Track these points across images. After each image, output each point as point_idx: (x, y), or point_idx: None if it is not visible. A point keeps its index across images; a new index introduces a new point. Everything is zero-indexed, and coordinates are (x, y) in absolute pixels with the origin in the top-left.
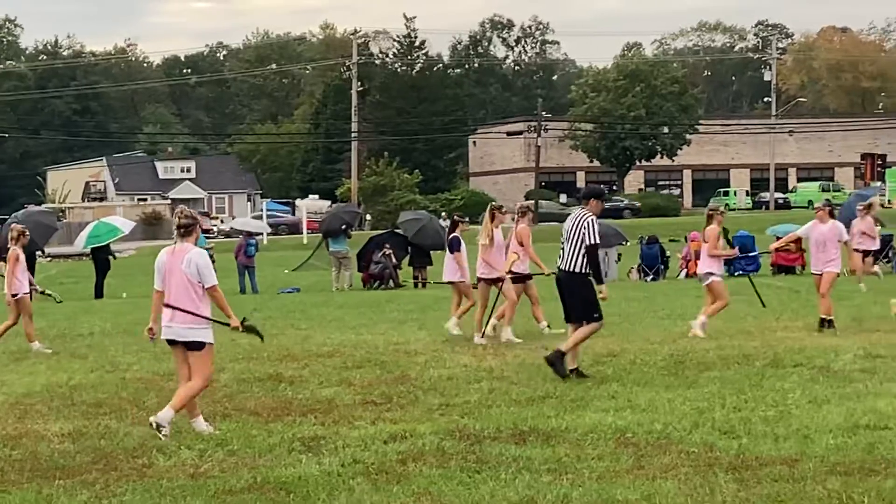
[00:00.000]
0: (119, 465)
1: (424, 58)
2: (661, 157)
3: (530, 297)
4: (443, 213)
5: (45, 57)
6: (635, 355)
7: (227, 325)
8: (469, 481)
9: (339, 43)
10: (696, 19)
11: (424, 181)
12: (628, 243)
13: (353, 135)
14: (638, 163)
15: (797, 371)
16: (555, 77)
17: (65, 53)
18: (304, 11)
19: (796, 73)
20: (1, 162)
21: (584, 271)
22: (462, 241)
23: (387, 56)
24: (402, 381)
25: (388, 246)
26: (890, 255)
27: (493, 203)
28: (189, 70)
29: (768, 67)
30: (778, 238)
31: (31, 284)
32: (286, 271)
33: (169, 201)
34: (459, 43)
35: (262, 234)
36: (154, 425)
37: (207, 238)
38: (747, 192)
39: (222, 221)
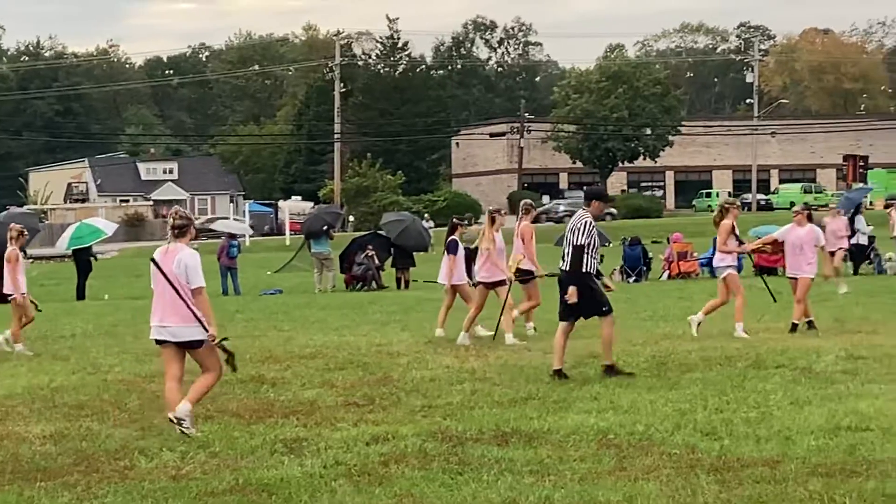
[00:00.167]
0: (101, 466)
1: (407, 59)
2: (644, 159)
3: (531, 295)
4: (426, 215)
5: (27, 58)
6: (618, 357)
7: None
8: (451, 483)
9: (322, 44)
10: (679, 21)
11: (407, 182)
12: (611, 244)
13: (335, 136)
14: (620, 164)
15: (779, 372)
16: (537, 78)
17: (47, 54)
18: (287, 12)
19: (778, 74)
20: None
21: (585, 270)
22: (460, 244)
23: (370, 57)
24: (385, 383)
25: (370, 247)
26: (871, 256)
27: (492, 208)
28: (171, 71)
29: (750, 69)
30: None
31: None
32: (269, 273)
33: (151, 203)
34: (442, 44)
35: (244, 235)
36: (175, 420)
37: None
38: (730, 193)
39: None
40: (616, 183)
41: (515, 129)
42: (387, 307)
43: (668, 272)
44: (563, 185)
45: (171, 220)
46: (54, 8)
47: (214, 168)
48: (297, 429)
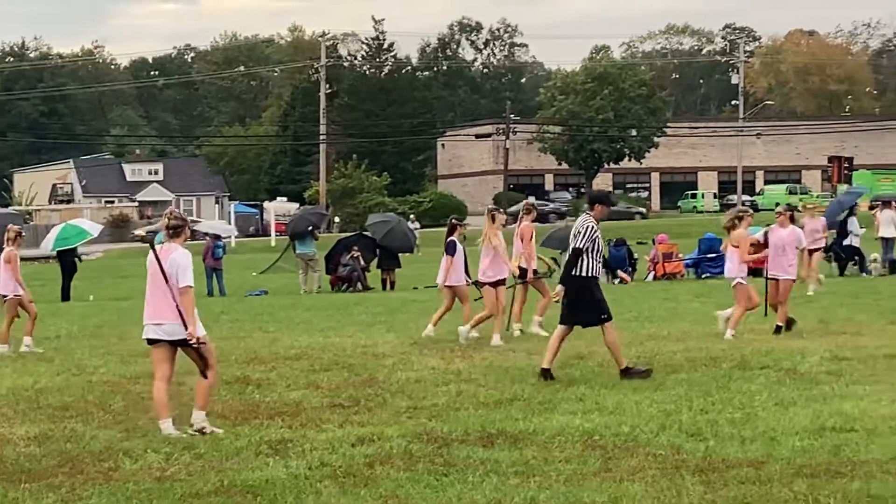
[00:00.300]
0: (85, 468)
1: (393, 60)
2: (629, 160)
3: (543, 292)
4: (411, 216)
5: (11, 59)
6: (603, 358)
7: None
8: (436, 484)
9: (308, 45)
10: (665, 22)
11: (393, 183)
12: None
13: (321, 137)
14: (606, 165)
15: (764, 373)
16: (523, 80)
17: (31, 55)
18: (273, 13)
19: (764, 76)
20: None
21: (588, 274)
22: (459, 245)
23: (355, 58)
24: (370, 384)
25: (356, 248)
26: (856, 258)
27: (491, 206)
28: (157, 72)
29: (736, 70)
30: None
31: None
32: (254, 274)
33: (136, 204)
34: (428, 45)
35: (229, 236)
36: (196, 432)
37: None
38: (715, 194)
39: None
40: (602, 184)
41: (501, 131)
42: (372, 308)
43: (653, 273)
44: (549, 186)
45: (166, 220)
46: (39, 9)
47: (200, 169)
48: (282, 430)
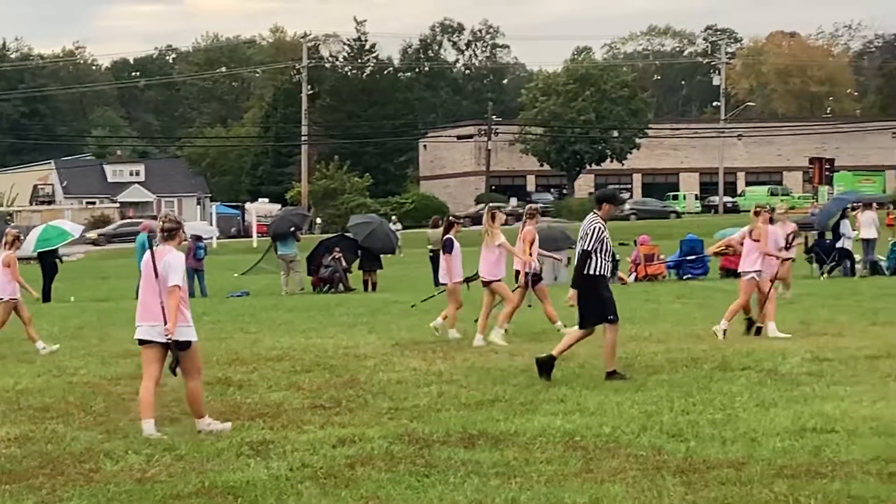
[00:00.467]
0: (66, 469)
1: (375, 61)
2: (611, 161)
3: (536, 294)
4: (393, 217)
5: None
6: (584, 359)
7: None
8: (418, 485)
9: (289, 46)
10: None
11: (375, 185)
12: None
13: (303, 138)
14: (588, 167)
15: (745, 374)
16: (505, 81)
17: (12, 56)
18: (254, 14)
19: (745, 77)
20: None
21: (595, 273)
22: (456, 243)
23: (337, 59)
24: (352, 385)
25: (338, 249)
26: (837, 258)
27: (493, 204)
28: (138, 73)
29: (717, 72)
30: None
31: None
32: (235, 275)
33: (118, 205)
34: (410, 47)
35: (211, 237)
36: (206, 433)
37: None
38: (697, 195)
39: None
40: (583, 185)
41: (483, 132)
42: (354, 309)
43: (634, 274)
44: (531, 187)
45: (161, 223)
46: (20, 10)
47: (181, 170)
48: (263, 431)
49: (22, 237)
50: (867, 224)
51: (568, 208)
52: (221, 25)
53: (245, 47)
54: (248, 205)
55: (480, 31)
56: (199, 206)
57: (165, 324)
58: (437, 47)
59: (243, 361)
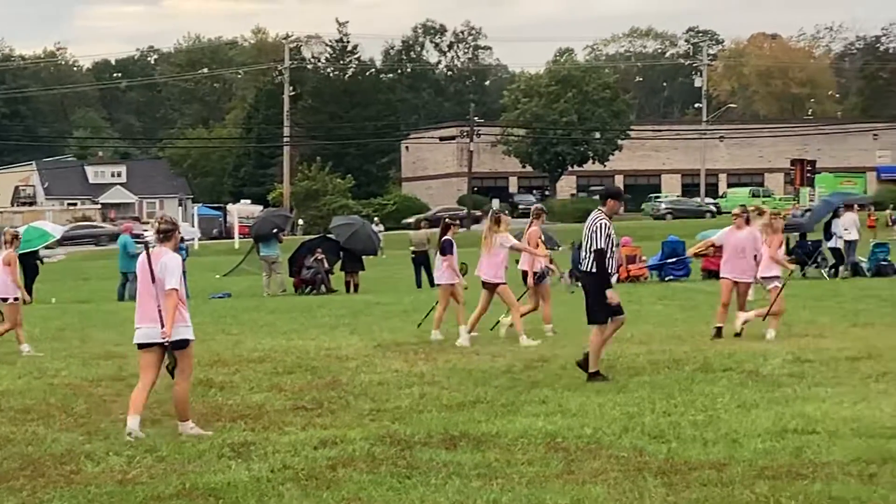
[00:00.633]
0: (47, 471)
1: (357, 62)
2: (593, 163)
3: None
4: (375, 219)
5: None
6: (566, 360)
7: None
8: (399, 487)
9: (272, 47)
10: (628, 25)
11: (357, 186)
12: (560, 248)
13: (285, 139)
14: (570, 168)
15: (726, 376)
16: (487, 82)
17: None
18: (236, 15)
19: (727, 79)
20: None
21: (604, 271)
22: (454, 244)
23: (319, 61)
24: (333, 387)
25: (320, 251)
26: (819, 260)
27: (496, 208)
28: (119, 74)
29: (699, 73)
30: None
31: None
32: (217, 276)
33: (99, 206)
34: (392, 48)
35: (192, 238)
36: (189, 437)
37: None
38: (678, 197)
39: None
40: (566, 187)
41: (465, 133)
42: (335, 311)
43: (616, 276)
44: (513, 188)
45: (157, 224)
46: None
47: (163, 171)
48: (244, 433)
49: (20, 236)
50: (849, 225)
51: (550, 210)
52: (203, 26)
53: (227, 48)
54: (230, 206)
55: (462, 32)
56: (180, 208)
57: (162, 326)
58: (419, 49)
59: (225, 363)
